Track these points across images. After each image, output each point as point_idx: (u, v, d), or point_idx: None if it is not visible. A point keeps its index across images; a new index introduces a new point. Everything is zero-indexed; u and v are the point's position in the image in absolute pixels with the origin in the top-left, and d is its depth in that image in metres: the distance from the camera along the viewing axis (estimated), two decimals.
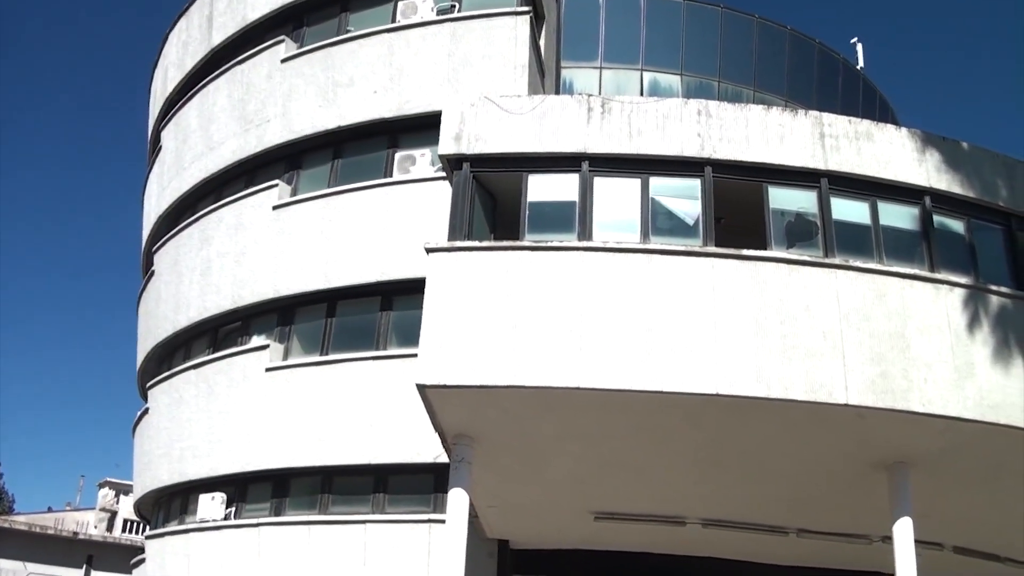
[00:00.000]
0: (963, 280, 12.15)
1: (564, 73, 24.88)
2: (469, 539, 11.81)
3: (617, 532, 16.02)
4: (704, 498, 14.70)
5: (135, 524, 53.16)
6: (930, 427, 11.53)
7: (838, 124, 12.77)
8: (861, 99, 30.64)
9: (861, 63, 32.09)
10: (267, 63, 21.92)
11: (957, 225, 12.79)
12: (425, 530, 17.09)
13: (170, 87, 25.82)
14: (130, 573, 25.85)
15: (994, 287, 12.23)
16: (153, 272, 24.50)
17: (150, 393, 23.42)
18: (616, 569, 17.50)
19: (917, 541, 12.06)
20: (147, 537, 23.24)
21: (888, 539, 12.32)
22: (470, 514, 12.09)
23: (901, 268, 11.99)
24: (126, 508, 52.59)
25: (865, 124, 13.00)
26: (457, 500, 11.76)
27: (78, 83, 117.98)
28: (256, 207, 20.95)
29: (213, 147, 22.67)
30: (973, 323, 11.93)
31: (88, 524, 57.25)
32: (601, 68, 26.42)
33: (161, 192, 24.92)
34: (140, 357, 25.24)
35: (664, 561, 17.33)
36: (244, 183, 21.86)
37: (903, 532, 12.03)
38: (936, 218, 12.61)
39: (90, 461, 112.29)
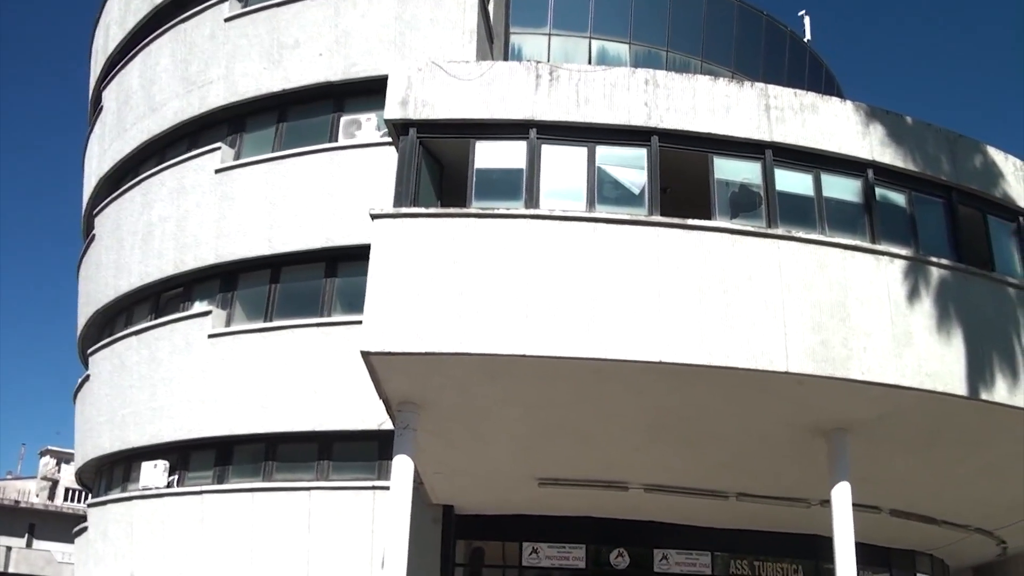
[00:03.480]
0: (904, 252, 12.35)
1: (513, 39, 24.71)
2: (414, 505, 11.85)
3: (561, 497, 16.18)
4: (647, 463, 14.89)
5: (77, 492, 52.64)
6: (869, 394, 11.76)
7: (783, 96, 12.85)
8: (807, 72, 30.89)
9: (808, 36, 32.34)
10: (210, 22, 21.48)
11: (899, 198, 12.99)
12: (370, 497, 17.10)
13: (111, 46, 25.20)
14: (72, 542, 25.56)
15: (934, 259, 12.46)
16: (94, 236, 24.03)
17: (91, 360, 23.06)
18: (559, 533, 17.71)
19: (855, 505, 12.35)
20: (89, 505, 22.97)
21: (826, 503, 12.60)
22: (415, 480, 12.11)
23: (843, 239, 12.16)
24: (68, 476, 52.01)
25: (810, 96, 13.12)
26: (401, 467, 11.76)
27: (13, 38, 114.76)
28: (198, 170, 20.61)
29: (155, 108, 22.22)
30: (912, 294, 12.15)
31: (29, 493, 56.59)
32: (550, 35, 26.30)
33: (102, 154, 24.40)
34: (81, 323, 24.80)
35: (607, 525, 17.58)
36: (187, 146, 21.48)
37: (841, 496, 12.31)
38: (879, 190, 12.80)
39: (31, 429, 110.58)
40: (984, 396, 12.03)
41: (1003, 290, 12.96)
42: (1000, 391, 12.17)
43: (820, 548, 15.53)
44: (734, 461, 14.56)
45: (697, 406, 12.45)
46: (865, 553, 13.66)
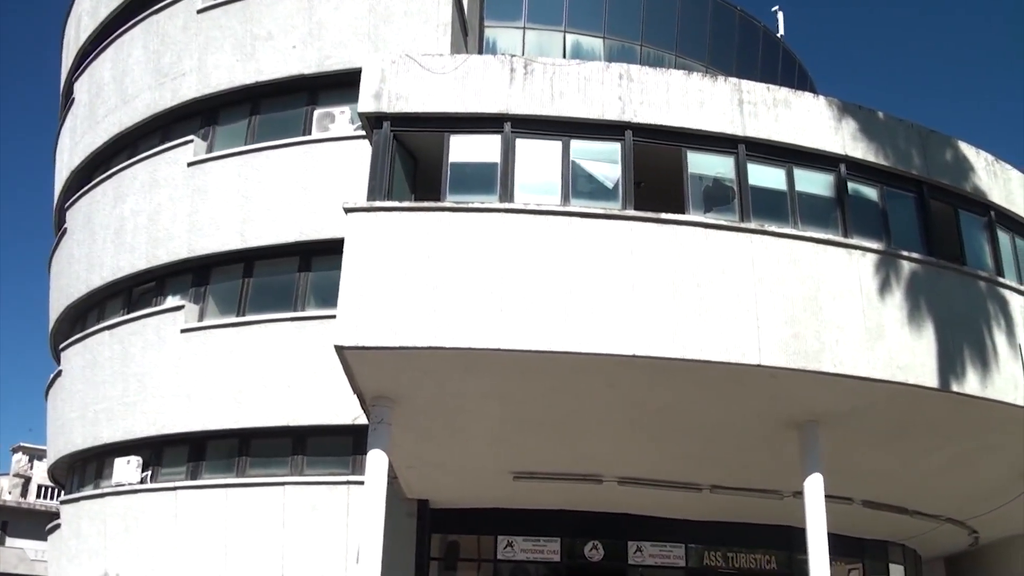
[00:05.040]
0: (875, 246, 12.44)
1: (487, 33, 24.67)
2: (388, 499, 11.84)
3: (535, 491, 16.22)
4: (621, 456, 14.94)
5: (50, 489, 52.22)
6: (841, 387, 11.85)
7: (757, 91, 12.90)
8: (780, 67, 31.02)
9: (781, 31, 32.47)
10: (183, 14, 21.32)
11: (871, 192, 13.07)
12: (344, 491, 17.06)
13: (83, 36, 24.96)
14: (46, 539, 25.35)
15: (905, 253, 12.56)
16: (65, 230, 23.82)
17: (63, 355, 22.86)
18: (534, 527, 17.74)
19: (827, 496, 12.45)
20: (62, 502, 22.79)
21: (799, 494, 12.68)
22: (389, 475, 12.09)
23: (815, 233, 12.22)
24: (40, 473, 51.54)
25: (783, 92, 13.17)
26: (376, 461, 11.75)
27: None
28: (171, 163, 20.46)
29: (127, 100, 22.03)
30: (884, 287, 12.25)
31: (1, 490, 56.08)
32: (524, 28, 26.28)
33: (73, 146, 24.18)
34: (52, 318, 24.57)
35: (581, 518, 17.63)
36: (159, 138, 21.32)
37: (813, 487, 12.41)
38: (851, 185, 12.88)
39: (2, 426, 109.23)
40: (955, 388, 12.16)
41: (974, 283, 13.09)
42: (971, 383, 12.30)
43: (793, 539, 15.67)
44: (708, 453, 14.64)
45: (671, 399, 12.50)
46: (837, 544, 13.76)
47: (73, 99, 24.78)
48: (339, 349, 11.12)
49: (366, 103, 12.39)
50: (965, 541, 21.09)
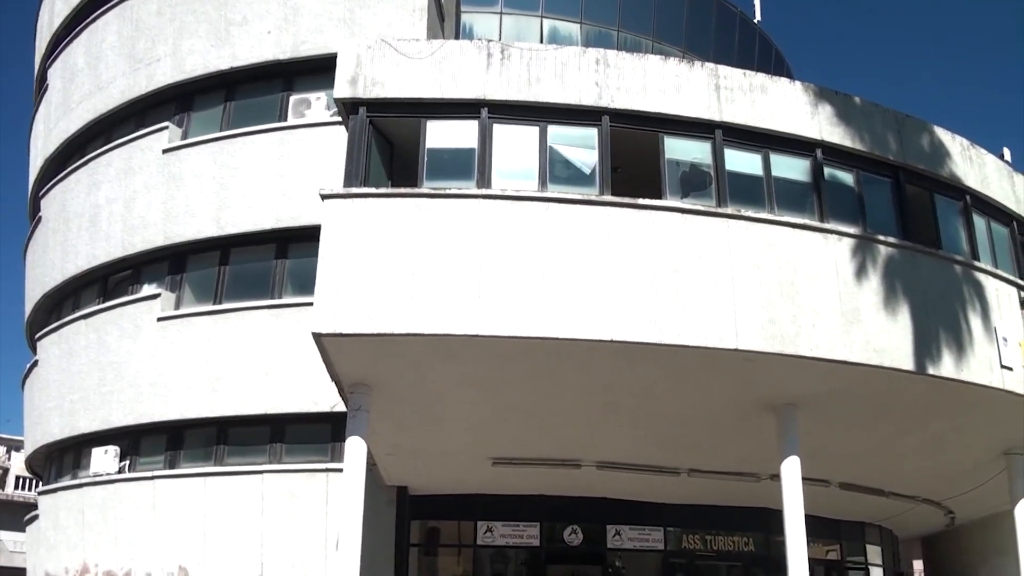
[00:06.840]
0: (852, 230, 12.49)
1: (464, 18, 24.55)
2: (367, 487, 11.83)
3: (514, 476, 16.26)
4: (599, 441, 14.99)
5: (28, 480, 51.93)
6: (817, 370, 11.91)
7: (733, 76, 12.90)
8: (757, 53, 31.04)
9: (758, 17, 32.47)
10: None
11: (847, 177, 13.11)
12: (323, 479, 17.03)
13: (57, 22, 24.67)
14: (24, 530, 25.20)
15: (881, 237, 12.61)
16: (40, 218, 23.59)
17: (39, 345, 22.68)
18: (513, 512, 17.82)
19: (804, 478, 12.53)
20: (40, 493, 22.65)
21: (776, 477, 12.75)
22: (368, 462, 12.07)
23: (792, 218, 12.25)
24: (18, 464, 51.19)
25: (760, 77, 13.17)
26: (355, 449, 11.72)
27: None
28: (146, 150, 20.27)
29: (101, 87, 21.80)
30: (860, 271, 12.30)
31: None
32: (501, 14, 26.20)
33: (48, 133, 23.93)
34: (28, 307, 24.35)
35: (560, 503, 17.71)
36: (134, 125, 21.12)
37: (791, 470, 12.49)
38: (827, 170, 12.91)
39: None
40: (931, 371, 12.24)
41: (949, 267, 13.18)
42: (946, 366, 12.39)
43: (771, 521, 15.74)
44: (685, 437, 14.71)
45: (649, 384, 12.52)
46: (815, 525, 13.90)
47: (47, 86, 24.51)
48: (316, 336, 11.08)
49: (342, 89, 12.30)
50: (941, 521, 21.32)
